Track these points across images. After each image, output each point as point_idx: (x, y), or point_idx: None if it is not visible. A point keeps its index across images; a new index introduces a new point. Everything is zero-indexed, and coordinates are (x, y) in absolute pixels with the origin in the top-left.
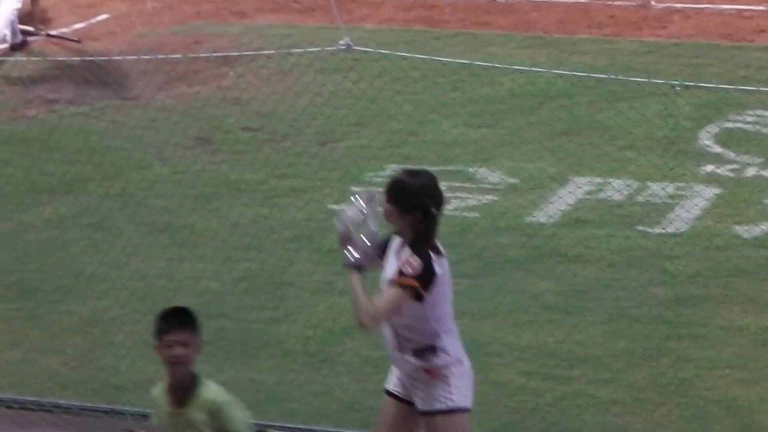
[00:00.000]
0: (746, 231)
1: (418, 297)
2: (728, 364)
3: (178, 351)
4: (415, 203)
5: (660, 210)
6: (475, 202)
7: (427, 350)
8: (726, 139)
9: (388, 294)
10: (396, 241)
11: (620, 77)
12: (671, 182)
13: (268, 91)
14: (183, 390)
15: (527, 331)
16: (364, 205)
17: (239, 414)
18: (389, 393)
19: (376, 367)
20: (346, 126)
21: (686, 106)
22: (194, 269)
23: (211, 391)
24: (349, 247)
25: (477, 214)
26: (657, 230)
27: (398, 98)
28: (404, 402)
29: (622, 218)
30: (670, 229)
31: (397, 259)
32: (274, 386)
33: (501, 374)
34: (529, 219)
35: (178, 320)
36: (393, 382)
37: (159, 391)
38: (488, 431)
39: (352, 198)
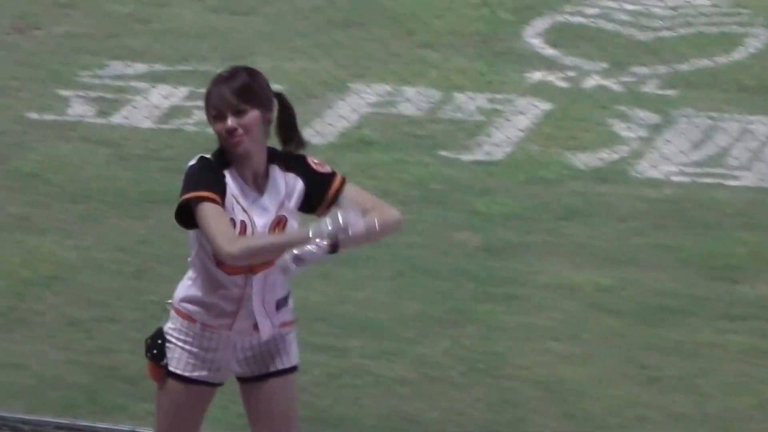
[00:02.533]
0: (582, 160)
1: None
2: (553, 334)
3: None
4: (269, 95)
5: (469, 130)
6: None
7: (286, 299)
8: (559, 37)
9: (364, 194)
10: (233, 183)
11: None
12: (485, 93)
13: None
14: None
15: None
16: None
17: None
18: (194, 381)
19: (88, 331)
20: (49, 6)
21: None
22: None
23: None
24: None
25: None
26: (465, 157)
27: None
28: (212, 386)
29: (419, 140)
30: (482, 156)
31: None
32: None
33: None
34: None
35: None
36: (197, 367)
37: None
38: (233, 418)
39: None
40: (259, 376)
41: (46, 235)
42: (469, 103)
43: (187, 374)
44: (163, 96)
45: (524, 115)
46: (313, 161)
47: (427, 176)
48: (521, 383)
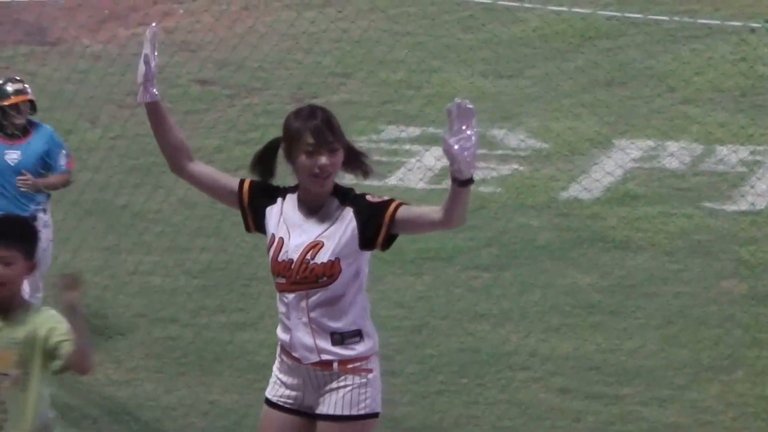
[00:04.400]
0: None
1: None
2: None
3: None
4: (343, 135)
5: (731, 181)
6: (494, 174)
7: (351, 336)
8: None
9: (413, 208)
10: (288, 205)
11: (685, 18)
12: (745, 145)
13: (225, 33)
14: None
15: (563, 338)
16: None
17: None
18: (275, 405)
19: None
20: (326, 76)
21: (764, 48)
22: (136, 261)
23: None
24: None
25: (497, 189)
26: (728, 207)
27: (391, 40)
28: (296, 414)
29: (683, 192)
30: (745, 206)
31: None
32: (241, 409)
33: (529, 392)
34: (563, 194)
35: None
36: (279, 391)
37: None
38: None
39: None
40: (313, 414)
41: None
42: (730, 155)
43: (270, 396)
44: (435, 158)
45: None
46: (370, 196)
47: (692, 227)
48: None
